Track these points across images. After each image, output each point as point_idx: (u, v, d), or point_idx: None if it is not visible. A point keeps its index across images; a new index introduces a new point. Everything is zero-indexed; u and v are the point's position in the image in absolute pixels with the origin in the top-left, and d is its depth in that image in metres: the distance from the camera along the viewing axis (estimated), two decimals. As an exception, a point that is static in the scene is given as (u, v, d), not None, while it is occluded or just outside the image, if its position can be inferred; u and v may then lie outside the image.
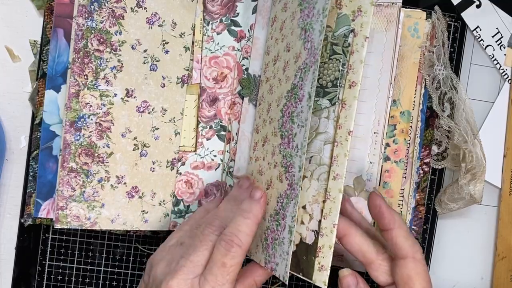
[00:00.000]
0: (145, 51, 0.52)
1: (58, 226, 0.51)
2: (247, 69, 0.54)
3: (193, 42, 0.54)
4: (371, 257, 0.46)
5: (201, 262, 0.43)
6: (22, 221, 0.54)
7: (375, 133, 0.51)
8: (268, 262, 0.46)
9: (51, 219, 0.54)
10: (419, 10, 0.54)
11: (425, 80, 0.55)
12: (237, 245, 0.43)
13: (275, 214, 0.45)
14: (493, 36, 0.59)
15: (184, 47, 0.54)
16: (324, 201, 0.43)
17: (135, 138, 0.53)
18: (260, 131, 0.50)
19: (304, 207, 0.45)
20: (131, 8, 0.51)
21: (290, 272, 0.44)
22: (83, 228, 0.52)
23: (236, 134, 0.54)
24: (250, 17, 0.54)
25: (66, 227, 0.52)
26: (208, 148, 0.55)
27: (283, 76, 0.47)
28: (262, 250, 0.47)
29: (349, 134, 0.42)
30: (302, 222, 0.45)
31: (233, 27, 0.55)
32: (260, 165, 0.49)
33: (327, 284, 0.43)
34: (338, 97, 0.43)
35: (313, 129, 0.44)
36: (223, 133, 0.55)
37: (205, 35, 0.54)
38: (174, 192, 0.55)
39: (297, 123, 0.44)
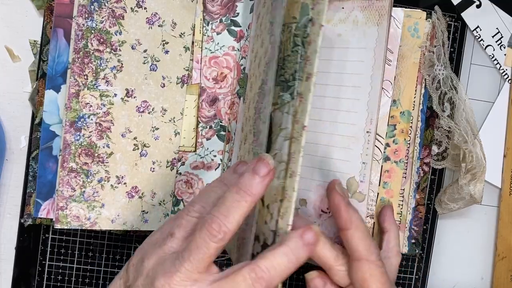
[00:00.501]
0: (145, 51, 0.52)
1: (58, 226, 0.51)
2: (244, 68, 0.54)
3: (193, 42, 0.54)
4: (329, 262, 0.45)
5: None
6: (22, 221, 0.54)
7: (367, 132, 0.50)
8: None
9: (51, 219, 0.54)
10: (419, 10, 0.54)
11: (425, 80, 0.55)
12: (224, 231, 0.37)
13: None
14: (493, 36, 0.59)
15: (184, 47, 0.54)
16: (281, 200, 0.40)
17: (135, 138, 0.53)
18: (244, 129, 0.50)
19: (267, 206, 0.42)
20: (131, 8, 0.51)
21: None
22: (83, 228, 0.52)
23: (234, 133, 0.54)
24: (248, 17, 0.54)
25: (66, 227, 0.52)
26: (208, 148, 0.55)
27: (258, 73, 0.47)
28: (237, 249, 0.46)
29: (303, 129, 0.39)
30: (265, 222, 0.42)
31: (233, 27, 0.55)
32: None
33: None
34: (297, 90, 0.40)
35: (278, 125, 0.42)
36: (223, 133, 0.55)
37: (205, 35, 0.54)
38: (174, 192, 0.55)
39: (262, 120, 0.43)
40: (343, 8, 0.51)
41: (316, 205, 0.51)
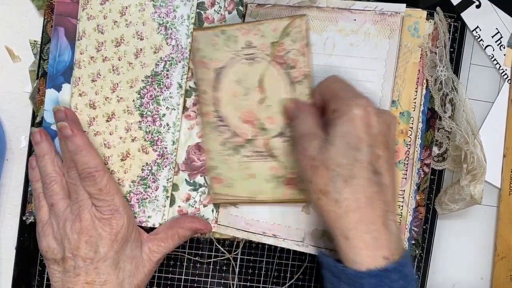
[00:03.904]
0: None
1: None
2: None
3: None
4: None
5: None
6: (24, 218, 0.54)
7: None
8: (134, 218, 0.53)
9: (51, 219, 0.54)
10: (419, 10, 0.54)
11: (427, 81, 0.55)
12: (96, 172, 0.49)
13: (141, 179, 0.54)
14: (492, 36, 0.59)
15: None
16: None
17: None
18: (100, 107, 0.53)
19: None
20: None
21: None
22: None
23: None
24: None
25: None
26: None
27: (137, 61, 0.53)
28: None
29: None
30: None
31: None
32: (105, 139, 0.53)
33: None
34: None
35: None
36: None
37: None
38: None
39: (165, 106, 0.53)
40: (355, 20, 0.53)
41: None
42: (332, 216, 0.44)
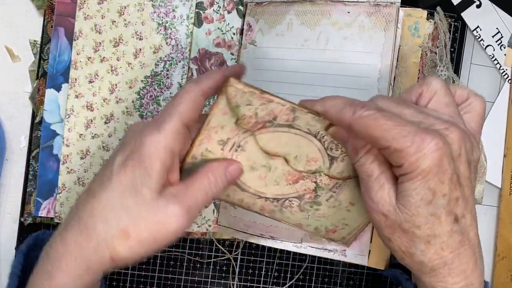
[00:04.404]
0: None
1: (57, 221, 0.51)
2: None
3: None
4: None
5: None
6: (22, 220, 0.54)
7: None
8: None
9: (51, 218, 0.54)
10: (420, 9, 0.54)
11: (426, 80, 0.55)
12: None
13: None
14: (493, 36, 0.59)
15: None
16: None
17: None
18: (99, 108, 0.52)
19: None
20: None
21: None
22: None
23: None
24: None
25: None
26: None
27: (136, 62, 0.53)
28: None
29: None
30: None
31: (240, 7, 0.55)
32: (104, 142, 0.52)
33: None
34: None
35: None
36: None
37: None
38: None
39: None
40: (348, 12, 0.51)
41: None
42: (418, 273, 0.41)
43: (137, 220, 0.37)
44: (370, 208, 0.39)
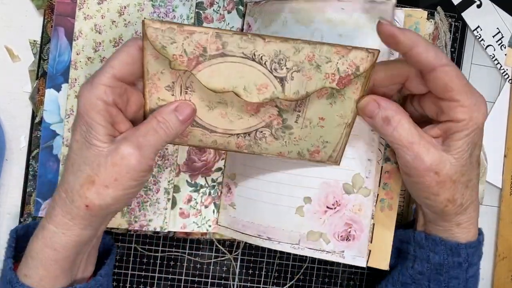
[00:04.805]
0: None
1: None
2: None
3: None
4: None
5: None
6: (22, 220, 0.54)
7: (372, 130, 0.50)
8: (134, 222, 0.53)
9: (51, 219, 0.53)
10: (420, 10, 0.54)
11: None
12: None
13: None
14: (493, 36, 0.59)
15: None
16: None
17: None
18: None
19: None
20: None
21: None
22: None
23: None
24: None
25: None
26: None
27: None
28: (122, 215, 0.53)
29: None
30: None
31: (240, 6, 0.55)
32: None
33: None
34: None
35: None
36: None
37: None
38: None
39: None
40: (343, 9, 0.49)
41: (321, 201, 0.51)
42: (452, 215, 0.47)
43: (96, 168, 0.42)
44: (418, 172, 0.44)
